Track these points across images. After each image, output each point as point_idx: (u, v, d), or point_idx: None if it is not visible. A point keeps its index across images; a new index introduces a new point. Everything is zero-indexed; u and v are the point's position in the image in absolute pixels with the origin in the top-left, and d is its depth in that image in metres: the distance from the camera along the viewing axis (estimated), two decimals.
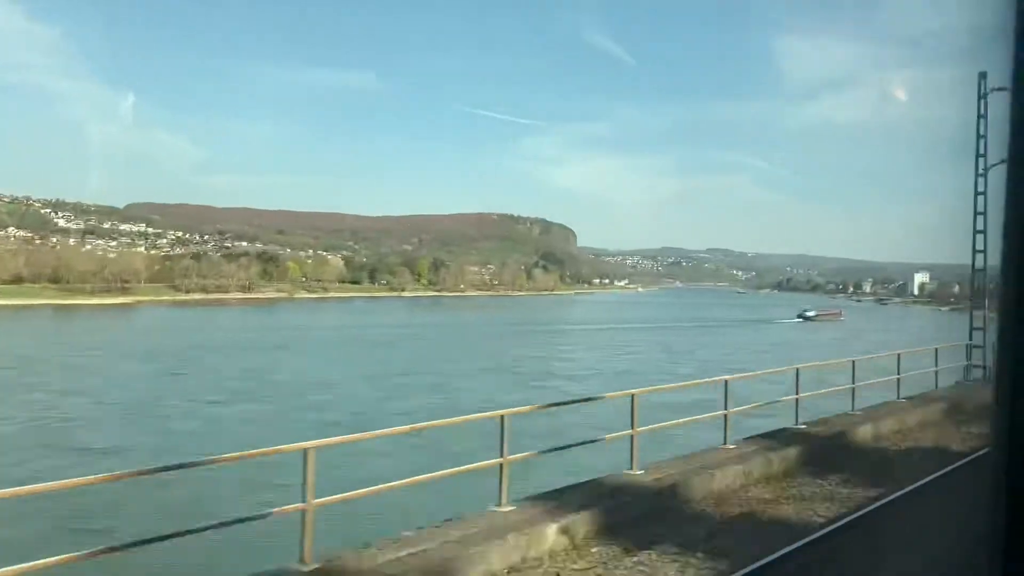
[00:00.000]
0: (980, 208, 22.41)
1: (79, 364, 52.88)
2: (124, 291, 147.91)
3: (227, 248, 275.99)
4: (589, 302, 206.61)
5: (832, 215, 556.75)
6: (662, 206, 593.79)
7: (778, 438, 13.20)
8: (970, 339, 23.81)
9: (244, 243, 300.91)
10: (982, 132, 21.83)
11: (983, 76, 21.69)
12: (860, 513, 10.00)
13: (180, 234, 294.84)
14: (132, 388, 42.76)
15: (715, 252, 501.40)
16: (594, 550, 8.11)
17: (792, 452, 12.36)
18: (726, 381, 12.69)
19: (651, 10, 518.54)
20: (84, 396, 39.47)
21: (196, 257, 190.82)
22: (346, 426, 28.69)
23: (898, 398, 17.99)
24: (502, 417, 8.67)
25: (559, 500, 8.88)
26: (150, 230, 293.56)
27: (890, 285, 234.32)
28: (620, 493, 9.33)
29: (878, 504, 10.43)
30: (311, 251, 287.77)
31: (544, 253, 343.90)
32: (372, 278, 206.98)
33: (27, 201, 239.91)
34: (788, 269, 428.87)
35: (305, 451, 6.71)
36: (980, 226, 22.62)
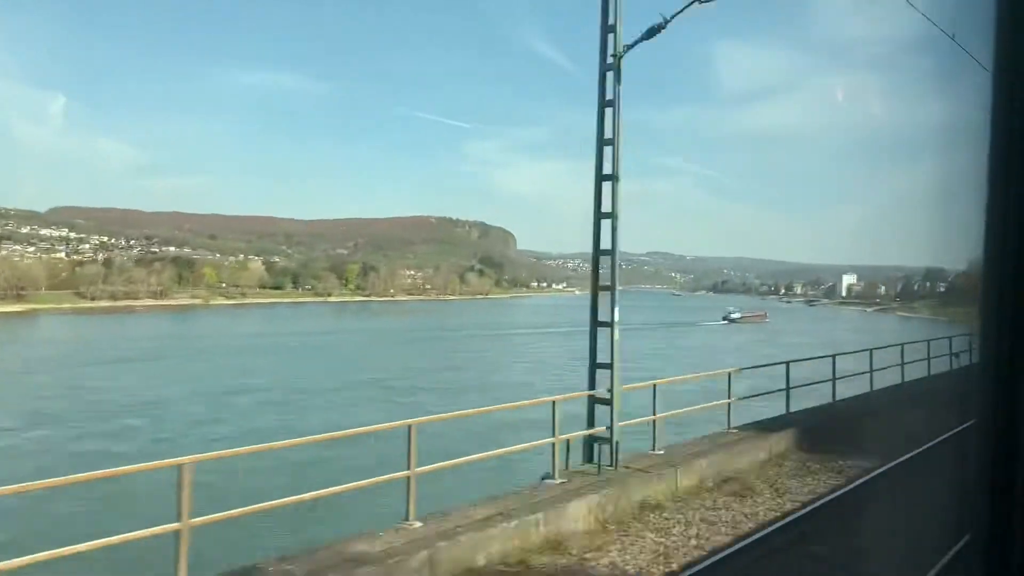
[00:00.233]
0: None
1: None
2: (19, 299, 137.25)
3: (153, 253, 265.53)
4: (521, 306, 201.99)
5: (768, 218, 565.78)
6: None
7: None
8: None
9: (171, 248, 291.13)
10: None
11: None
12: None
13: (104, 239, 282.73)
14: None
15: (655, 255, 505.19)
16: None
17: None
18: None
19: (590, 18, 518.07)
20: None
21: (107, 263, 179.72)
22: (128, 459, 22.86)
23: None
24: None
25: None
26: (72, 235, 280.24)
27: (820, 287, 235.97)
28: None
29: None
30: (241, 256, 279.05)
31: (482, 257, 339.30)
32: (296, 283, 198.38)
33: None
34: (726, 271, 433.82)
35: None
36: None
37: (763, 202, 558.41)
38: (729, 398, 14.44)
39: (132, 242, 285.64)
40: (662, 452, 12.50)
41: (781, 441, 14.39)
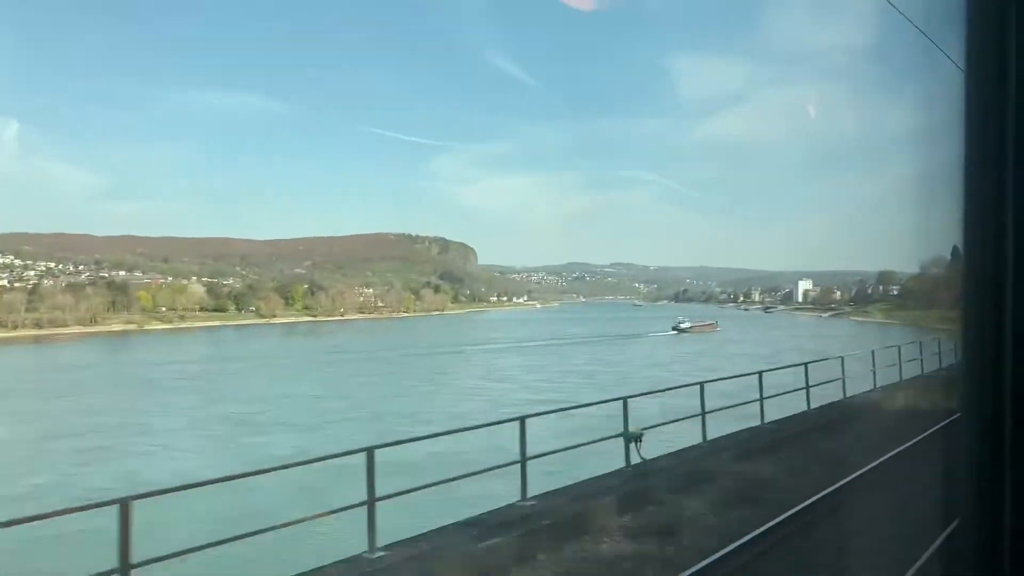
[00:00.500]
0: None
1: None
2: None
3: (102, 278, 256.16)
4: (476, 321, 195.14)
5: (729, 227, 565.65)
6: (568, 223, 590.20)
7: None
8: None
9: (121, 272, 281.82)
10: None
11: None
12: None
13: (51, 265, 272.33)
14: None
15: (619, 266, 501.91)
16: None
17: None
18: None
19: (546, 33, 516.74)
20: None
21: (33, 290, 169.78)
22: None
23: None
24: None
25: None
26: (17, 262, 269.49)
27: (776, 293, 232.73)
28: None
29: None
30: (194, 278, 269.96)
31: (443, 272, 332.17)
32: (239, 305, 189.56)
33: None
34: (688, 281, 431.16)
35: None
36: None
37: (724, 211, 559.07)
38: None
39: (81, 267, 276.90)
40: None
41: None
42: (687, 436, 13.99)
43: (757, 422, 15.57)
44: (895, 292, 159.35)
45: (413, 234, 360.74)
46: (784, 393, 17.07)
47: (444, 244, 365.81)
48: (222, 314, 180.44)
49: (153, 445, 35.20)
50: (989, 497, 1.14)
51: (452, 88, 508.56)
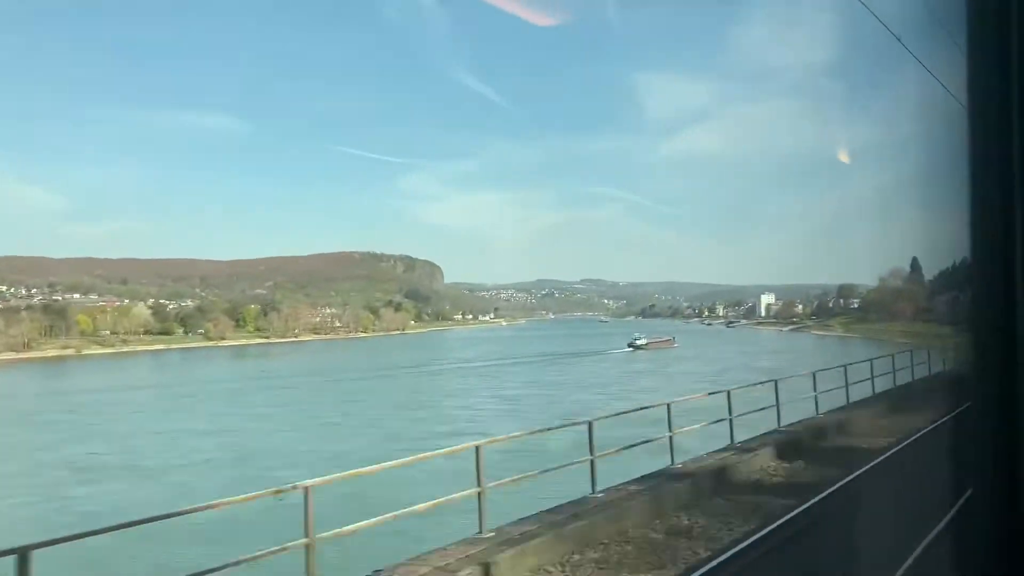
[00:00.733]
0: None
1: None
2: None
3: (55, 301, 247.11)
4: (434, 341, 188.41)
5: (697, 242, 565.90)
6: (538, 240, 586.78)
7: None
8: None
9: (76, 295, 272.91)
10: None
11: None
12: None
13: (2, 288, 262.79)
14: None
15: (588, 283, 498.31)
16: None
17: None
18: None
19: (513, 51, 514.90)
20: None
21: None
22: None
23: None
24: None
25: None
26: None
27: (740, 307, 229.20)
28: None
29: None
30: (151, 300, 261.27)
31: (408, 291, 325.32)
32: (186, 327, 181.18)
33: None
34: (657, 296, 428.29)
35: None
36: None
37: (692, 227, 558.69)
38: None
39: (33, 291, 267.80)
40: None
41: None
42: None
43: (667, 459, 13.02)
44: (855, 305, 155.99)
45: (378, 252, 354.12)
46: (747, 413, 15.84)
47: (410, 262, 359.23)
48: (168, 337, 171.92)
49: None
50: (1000, 469, 1.18)
51: (420, 106, 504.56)
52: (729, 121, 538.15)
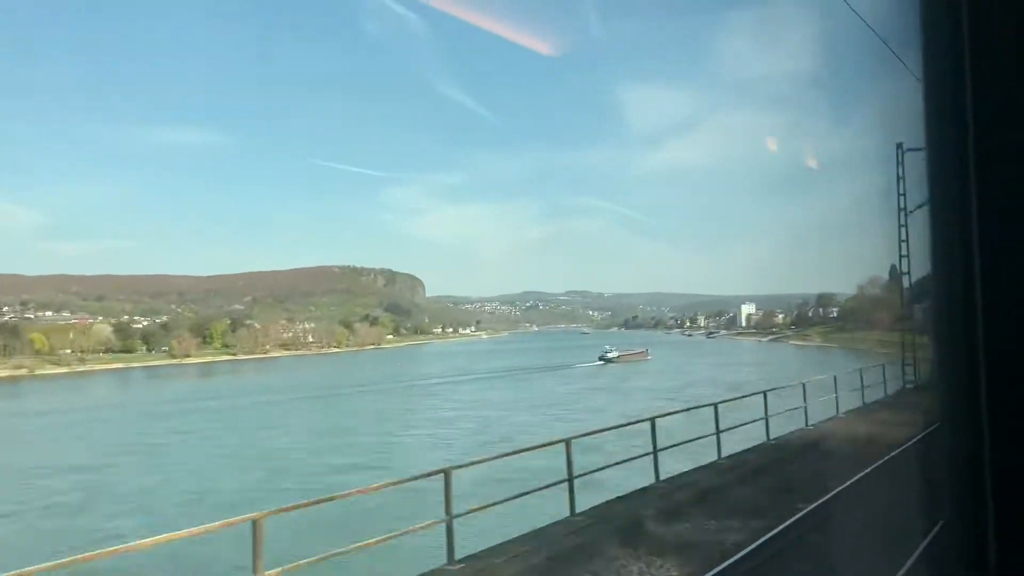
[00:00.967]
0: None
1: None
2: None
3: (27, 319, 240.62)
4: (406, 355, 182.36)
5: (680, 253, 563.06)
6: (524, 252, 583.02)
7: None
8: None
9: (49, 312, 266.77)
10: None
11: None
12: None
13: None
14: None
15: (574, 294, 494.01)
16: None
17: None
18: None
19: (498, 63, 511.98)
20: None
21: None
22: None
23: None
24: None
25: None
26: None
27: (721, 318, 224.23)
28: None
29: None
30: (125, 316, 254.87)
31: (388, 304, 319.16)
32: (149, 345, 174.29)
33: None
34: (641, 307, 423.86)
35: None
36: None
37: (676, 237, 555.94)
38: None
39: (5, 308, 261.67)
40: None
41: None
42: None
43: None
44: (834, 314, 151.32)
45: (358, 266, 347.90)
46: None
47: (391, 276, 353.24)
48: (129, 356, 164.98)
49: None
50: (971, 499, 1.16)
51: (403, 120, 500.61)
52: (712, 132, 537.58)
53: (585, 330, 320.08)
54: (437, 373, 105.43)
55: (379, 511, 19.16)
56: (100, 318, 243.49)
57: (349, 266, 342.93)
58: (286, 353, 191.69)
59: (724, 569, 8.55)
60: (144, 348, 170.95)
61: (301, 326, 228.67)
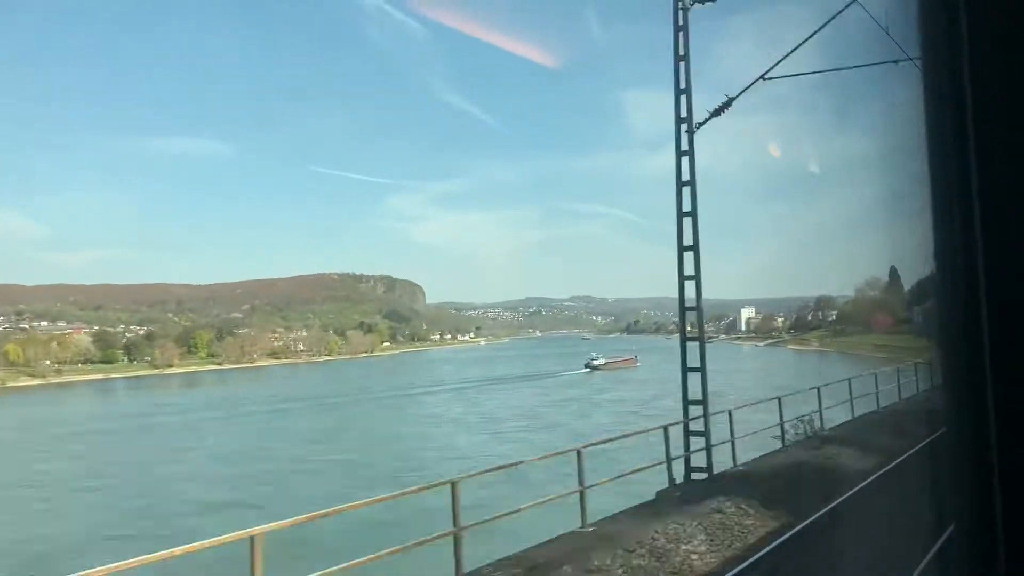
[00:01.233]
0: None
1: None
2: None
3: (22, 329, 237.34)
4: (398, 363, 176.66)
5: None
6: (527, 258, 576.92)
7: None
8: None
9: (44, 322, 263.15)
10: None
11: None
12: None
13: None
14: None
15: (577, 299, 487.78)
16: None
17: None
18: None
19: (499, 70, 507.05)
20: None
21: None
22: None
23: None
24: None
25: None
26: None
27: (720, 322, 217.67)
28: None
29: None
30: (121, 326, 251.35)
31: (388, 311, 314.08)
32: (131, 355, 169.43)
33: None
34: (644, 312, 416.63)
35: None
36: None
37: (674, 242, 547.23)
38: None
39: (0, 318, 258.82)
40: None
41: None
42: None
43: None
44: (833, 318, 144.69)
45: (357, 273, 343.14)
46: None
47: (390, 283, 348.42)
48: (109, 366, 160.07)
49: None
50: (980, 503, 1.14)
51: (404, 127, 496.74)
52: (713, 135, 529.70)
53: (586, 335, 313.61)
54: (409, 384, 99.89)
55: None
56: (96, 327, 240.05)
57: (348, 273, 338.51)
58: (275, 362, 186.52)
59: None
60: (125, 359, 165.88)
61: (289, 335, 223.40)
